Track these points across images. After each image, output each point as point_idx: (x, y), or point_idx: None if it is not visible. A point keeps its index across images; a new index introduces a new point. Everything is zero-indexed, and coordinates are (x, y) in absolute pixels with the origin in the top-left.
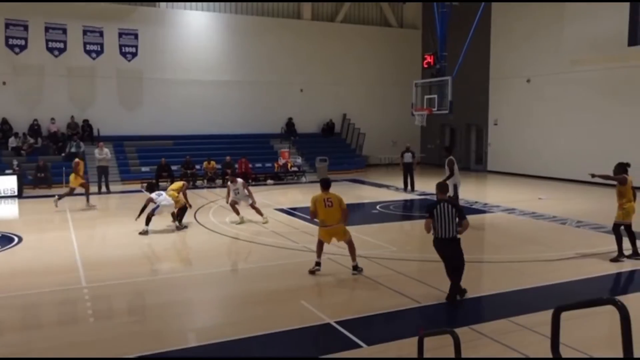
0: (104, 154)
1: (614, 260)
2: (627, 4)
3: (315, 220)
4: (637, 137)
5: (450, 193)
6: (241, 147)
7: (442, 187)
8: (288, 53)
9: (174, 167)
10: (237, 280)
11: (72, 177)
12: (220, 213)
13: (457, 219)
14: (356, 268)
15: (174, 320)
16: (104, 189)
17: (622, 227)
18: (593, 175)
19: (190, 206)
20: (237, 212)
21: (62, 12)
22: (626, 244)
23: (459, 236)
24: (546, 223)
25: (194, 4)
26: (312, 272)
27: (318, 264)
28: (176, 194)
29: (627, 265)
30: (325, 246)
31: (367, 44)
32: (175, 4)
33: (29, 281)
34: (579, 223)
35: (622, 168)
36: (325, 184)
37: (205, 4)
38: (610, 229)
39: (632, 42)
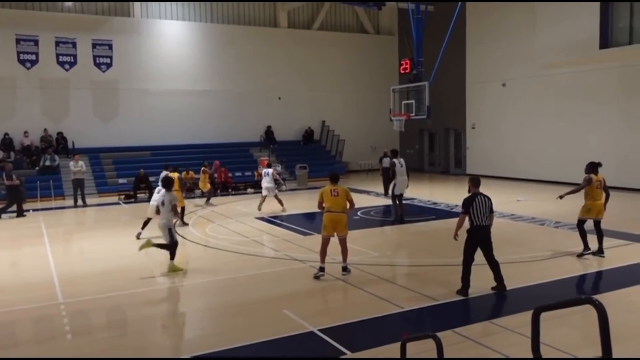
0: (79, 166)
1: (580, 255)
2: (597, 9)
3: (321, 210)
4: (610, 138)
5: (398, 191)
6: (220, 157)
7: (475, 181)
8: (265, 61)
9: (152, 179)
10: (219, 291)
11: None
12: (200, 223)
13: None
14: (345, 269)
15: (155, 334)
16: (79, 202)
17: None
18: (561, 197)
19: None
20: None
21: (33, 23)
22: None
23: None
24: (525, 224)
25: (169, 13)
26: (317, 278)
27: (322, 269)
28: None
29: (605, 264)
30: (306, 253)
31: (344, 50)
32: (150, 13)
33: (3, 299)
34: (557, 224)
35: (591, 167)
36: (334, 178)
37: (180, 13)
38: (589, 229)
39: (603, 44)
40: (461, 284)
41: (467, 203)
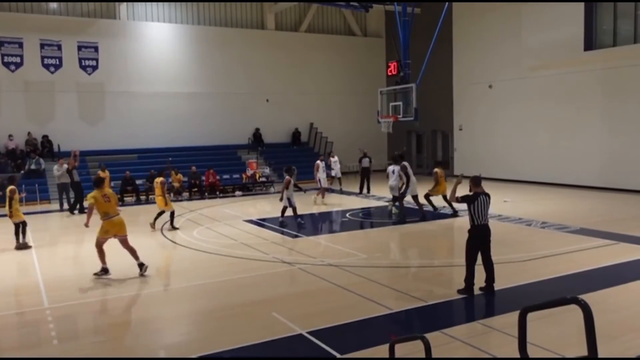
0: (62, 169)
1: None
2: (582, 12)
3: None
4: (594, 139)
5: (412, 193)
6: (208, 159)
7: (476, 180)
8: (253, 63)
9: (139, 181)
10: (207, 295)
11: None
12: (188, 226)
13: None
14: (141, 267)
15: (142, 338)
16: (65, 206)
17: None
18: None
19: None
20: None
21: (18, 25)
22: None
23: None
24: (512, 225)
25: (155, 15)
26: (97, 275)
27: (106, 270)
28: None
29: (590, 264)
30: (294, 255)
31: (331, 52)
32: (136, 15)
33: None
34: (544, 224)
35: (436, 163)
36: (99, 182)
37: (167, 15)
38: (574, 229)
39: (587, 47)
40: (464, 284)
41: (468, 200)
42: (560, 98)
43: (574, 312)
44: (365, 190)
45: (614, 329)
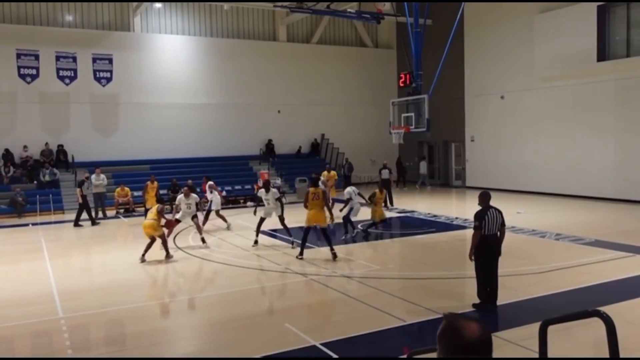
0: (100, 179)
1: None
2: (595, 22)
3: None
4: (608, 150)
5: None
6: (220, 170)
7: (485, 196)
8: (265, 75)
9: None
10: (220, 306)
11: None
12: (199, 237)
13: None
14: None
15: (155, 349)
16: (100, 214)
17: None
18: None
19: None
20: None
21: (34, 38)
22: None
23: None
24: (525, 237)
25: (169, 27)
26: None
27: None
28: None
29: (606, 276)
30: (307, 267)
31: (343, 64)
32: (150, 27)
33: (3, 313)
34: (558, 236)
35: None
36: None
37: (180, 27)
38: (589, 240)
39: (601, 57)
40: (478, 299)
41: (480, 217)
42: (574, 109)
43: (589, 325)
44: (387, 204)
45: (632, 342)
